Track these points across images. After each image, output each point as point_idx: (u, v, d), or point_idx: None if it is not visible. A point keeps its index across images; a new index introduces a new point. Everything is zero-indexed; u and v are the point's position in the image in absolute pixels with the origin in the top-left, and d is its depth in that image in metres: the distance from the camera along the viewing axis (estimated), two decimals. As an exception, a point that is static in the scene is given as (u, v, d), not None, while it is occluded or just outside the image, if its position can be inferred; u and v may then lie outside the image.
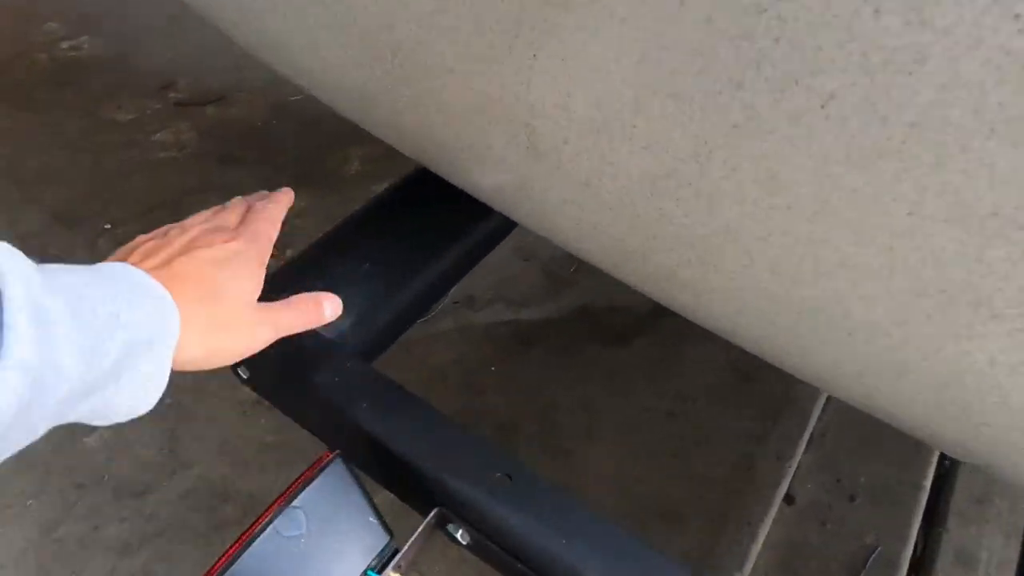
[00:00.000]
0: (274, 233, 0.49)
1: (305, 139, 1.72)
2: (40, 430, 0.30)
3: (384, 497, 0.52)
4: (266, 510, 0.43)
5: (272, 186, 0.54)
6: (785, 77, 0.31)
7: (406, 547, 0.46)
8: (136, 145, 1.72)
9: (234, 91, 1.87)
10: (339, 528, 0.45)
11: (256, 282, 0.45)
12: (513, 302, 1.37)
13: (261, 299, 0.45)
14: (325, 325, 0.59)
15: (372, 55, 0.50)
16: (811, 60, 0.29)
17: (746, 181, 0.35)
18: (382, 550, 0.46)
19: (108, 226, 1.43)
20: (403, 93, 0.51)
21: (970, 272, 0.30)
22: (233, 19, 0.65)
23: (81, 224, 1.45)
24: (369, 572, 0.45)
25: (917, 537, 1.04)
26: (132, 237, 0.45)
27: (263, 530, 0.42)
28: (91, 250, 1.38)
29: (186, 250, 0.42)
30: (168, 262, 0.41)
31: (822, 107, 0.30)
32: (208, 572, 0.40)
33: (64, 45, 2.04)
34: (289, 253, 0.69)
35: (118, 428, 1.15)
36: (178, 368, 0.39)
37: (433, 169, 0.61)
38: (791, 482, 1.09)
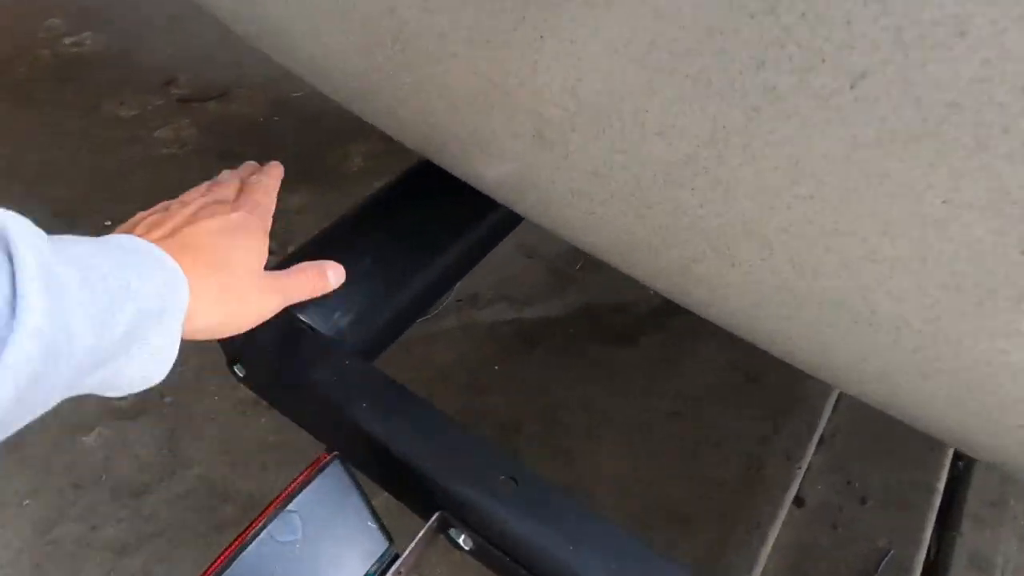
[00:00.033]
0: (272, 205, 0.49)
1: (306, 135, 1.70)
2: (53, 400, 0.30)
3: (384, 500, 0.51)
4: (260, 514, 0.41)
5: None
6: (811, 55, 0.28)
7: (406, 553, 0.44)
8: (137, 141, 1.70)
9: (236, 87, 1.85)
10: (336, 533, 0.43)
11: (262, 251, 0.45)
12: (516, 300, 1.35)
13: None
14: (324, 322, 0.57)
15: (373, 41, 0.48)
16: (840, 36, 0.27)
17: (766, 168, 0.33)
18: (381, 556, 0.44)
19: (109, 223, 1.42)
20: (404, 80, 0.49)
21: (1010, 265, 0.28)
22: (233, 8, 0.63)
23: (82, 220, 1.44)
24: (368, 579, 0.43)
25: (930, 541, 1.02)
26: (133, 235, 0.43)
27: (256, 535, 0.40)
28: (91, 247, 1.36)
29: (191, 221, 0.42)
30: (174, 233, 0.41)
31: (851, 87, 0.28)
32: (199, 579, 0.38)
33: (66, 41, 2.03)
34: (291, 250, 0.68)
35: (117, 427, 1.14)
36: (190, 338, 0.40)
37: (435, 161, 0.59)
38: (801, 484, 1.07)
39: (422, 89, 0.48)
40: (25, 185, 1.57)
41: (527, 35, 0.37)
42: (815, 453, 1.11)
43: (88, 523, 1.02)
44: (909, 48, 0.26)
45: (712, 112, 0.33)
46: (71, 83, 1.89)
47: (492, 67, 0.41)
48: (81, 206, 1.49)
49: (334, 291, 0.59)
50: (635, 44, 0.33)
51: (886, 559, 1.00)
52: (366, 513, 0.44)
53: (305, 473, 0.43)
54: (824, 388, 1.18)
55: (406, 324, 0.67)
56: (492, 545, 0.46)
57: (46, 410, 0.30)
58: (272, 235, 0.49)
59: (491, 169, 0.50)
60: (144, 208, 0.46)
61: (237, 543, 0.39)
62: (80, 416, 1.14)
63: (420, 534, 0.45)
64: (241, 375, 0.57)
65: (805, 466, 1.09)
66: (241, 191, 0.49)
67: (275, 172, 0.53)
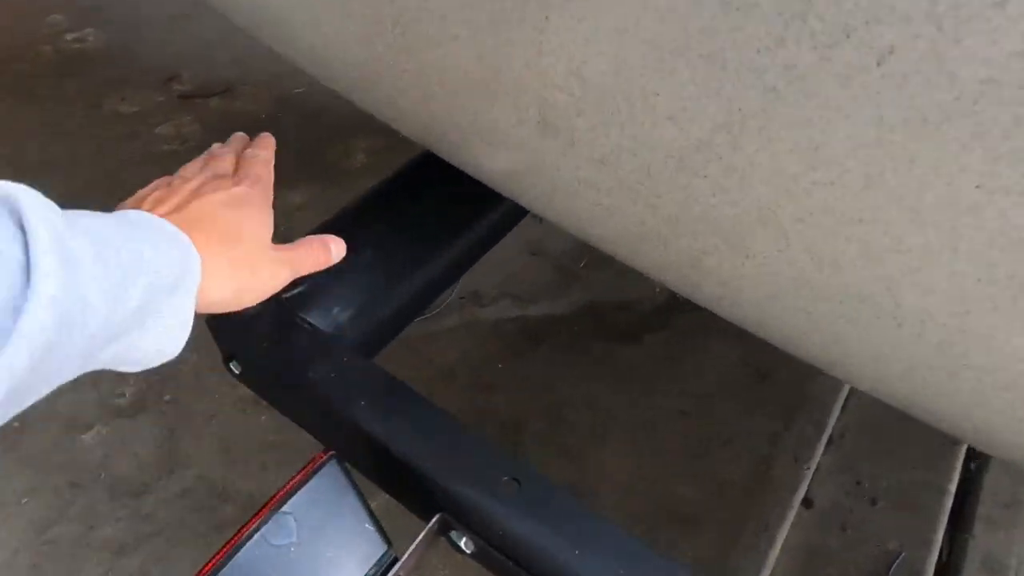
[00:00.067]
0: (271, 177, 0.49)
1: (309, 132, 1.69)
2: (67, 372, 0.30)
3: (383, 501, 0.49)
4: (253, 516, 0.39)
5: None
6: (835, 30, 0.27)
7: (405, 556, 0.43)
8: (139, 137, 1.70)
9: (238, 84, 1.84)
10: (333, 536, 0.41)
11: (268, 223, 0.46)
12: (521, 298, 1.33)
13: None
14: (322, 318, 0.56)
15: (373, 27, 0.47)
16: (867, 8, 0.26)
17: (784, 153, 0.31)
18: (380, 559, 0.42)
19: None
20: (405, 67, 0.47)
21: (1048, 254, 0.26)
22: (231, -2, 0.62)
23: (82, 217, 1.43)
24: (365, 583, 0.41)
25: (942, 543, 1.00)
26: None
27: (249, 538, 0.38)
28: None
29: (197, 196, 0.42)
30: (181, 208, 0.41)
31: (878, 64, 0.26)
32: (189, 584, 0.37)
33: (68, 37, 2.03)
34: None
35: (116, 425, 1.13)
36: (204, 311, 0.40)
37: (437, 152, 0.58)
38: (809, 485, 1.06)
39: (423, 76, 0.46)
40: (26, 181, 1.56)
41: (531, 14, 0.35)
42: (824, 453, 1.09)
43: (86, 523, 1.01)
44: (942, 20, 0.24)
45: (727, 94, 0.31)
46: (73, 79, 1.88)
47: (495, 50, 0.39)
48: (82, 201, 1.47)
49: (333, 286, 0.58)
50: (645, 22, 0.32)
51: (897, 562, 0.98)
52: (364, 515, 0.43)
53: (300, 474, 0.41)
54: (833, 387, 1.16)
55: (407, 320, 0.66)
56: (494, 548, 0.44)
57: (61, 382, 0.30)
58: (273, 233, 0.48)
59: (494, 159, 0.49)
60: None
61: (229, 546, 0.38)
62: (79, 414, 1.13)
63: (420, 536, 0.43)
64: (237, 372, 0.56)
65: (814, 466, 1.07)
66: (238, 165, 0.49)
67: (268, 144, 0.53)
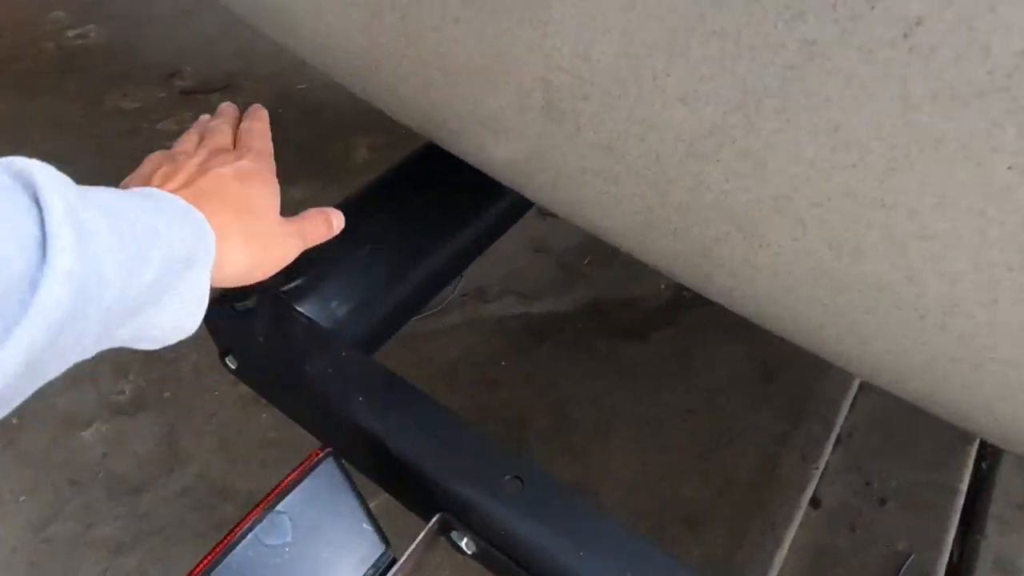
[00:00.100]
0: (271, 148, 0.49)
1: (310, 128, 1.68)
2: (85, 347, 0.30)
3: (382, 501, 0.48)
4: (246, 515, 0.38)
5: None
6: (858, 1, 0.25)
7: (404, 557, 0.41)
8: (140, 133, 1.69)
9: (240, 80, 1.83)
10: (329, 535, 0.40)
11: (276, 195, 0.46)
12: (524, 295, 1.32)
13: None
14: (320, 312, 0.55)
15: (373, 12, 0.45)
16: (893, -23, 0.24)
17: (802, 135, 0.29)
18: (377, 560, 0.41)
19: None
20: (405, 53, 0.46)
21: (1086, 239, 0.25)
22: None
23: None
24: (363, 585, 0.40)
25: (953, 544, 0.98)
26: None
27: (242, 538, 0.37)
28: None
29: (204, 170, 0.42)
30: (190, 183, 0.41)
31: (905, 36, 0.25)
32: (179, 585, 0.35)
33: (70, 34, 2.02)
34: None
35: (116, 422, 1.12)
36: (220, 285, 0.41)
37: (439, 142, 0.56)
38: (817, 484, 1.04)
39: (423, 62, 0.45)
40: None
41: (536, -7, 0.34)
42: (832, 452, 1.07)
43: (84, 521, 1.00)
44: (975, -13, 0.23)
45: (742, 73, 0.30)
46: (74, 76, 1.88)
47: (497, 31, 0.37)
48: (83, 199, 1.47)
49: (332, 279, 0.57)
50: (655, -2, 0.30)
51: (907, 563, 0.97)
52: (361, 514, 0.41)
53: (295, 471, 0.40)
54: (842, 385, 1.14)
55: (408, 315, 0.64)
56: (496, 549, 0.43)
57: (78, 358, 0.30)
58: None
59: (497, 148, 0.47)
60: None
61: (221, 547, 0.37)
62: (78, 411, 1.12)
63: (420, 537, 0.42)
64: (233, 367, 0.54)
65: (822, 465, 1.05)
66: (236, 138, 0.49)
67: (263, 116, 0.53)
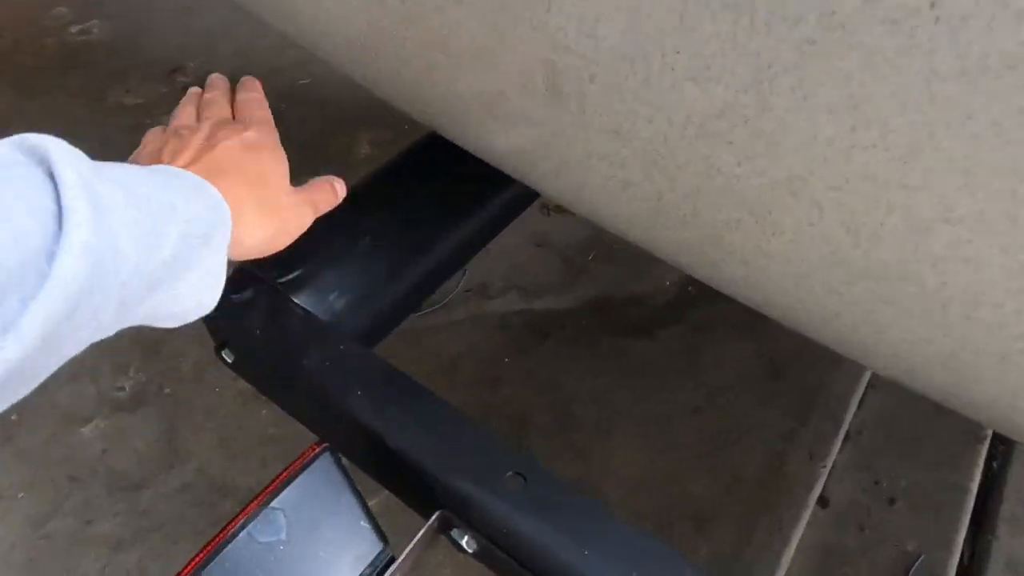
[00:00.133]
0: (271, 116, 0.49)
1: (312, 124, 1.67)
2: (106, 323, 0.30)
3: (383, 499, 0.47)
4: (240, 512, 0.37)
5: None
6: (882, -32, 0.24)
7: (403, 556, 0.40)
8: (142, 129, 1.67)
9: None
10: (325, 533, 0.39)
11: (285, 164, 0.45)
12: (528, 291, 1.31)
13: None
14: (318, 304, 0.53)
15: (371, -6, 0.44)
16: (921, -60, 0.23)
17: (819, 113, 0.28)
18: (375, 559, 0.40)
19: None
20: (407, 35, 0.45)
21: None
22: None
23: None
24: (360, 584, 0.39)
25: (963, 544, 0.97)
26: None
27: (235, 535, 0.36)
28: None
29: (211, 145, 0.42)
30: (199, 158, 0.41)
31: (932, 5, 0.23)
32: (170, 584, 0.34)
33: (73, 29, 2.02)
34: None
35: (116, 419, 1.11)
36: (240, 258, 0.41)
37: (440, 130, 0.55)
38: (825, 483, 1.02)
39: (425, 44, 0.44)
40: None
41: (539, -33, 0.32)
42: (840, 450, 1.06)
43: (84, 517, 0.99)
44: (1010, -51, 0.21)
45: (755, 48, 0.28)
46: (77, 72, 1.88)
47: (500, 10, 0.36)
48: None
49: (330, 270, 0.55)
50: (665, -29, 0.29)
51: (916, 564, 0.95)
52: (358, 511, 0.40)
53: (291, 467, 0.39)
54: (851, 382, 1.12)
55: (408, 309, 0.63)
56: (498, 547, 0.42)
57: (96, 336, 0.30)
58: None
59: (499, 134, 0.46)
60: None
61: (213, 544, 0.35)
62: (78, 407, 1.11)
63: (419, 535, 0.41)
64: (230, 361, 0.53)
65: (830, 464, 1.04)
66: (235, 109, 0.49)
67: (256, 85, 0.52)
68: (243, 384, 0.82)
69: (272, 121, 0.49)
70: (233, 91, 0.52)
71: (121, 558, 0.96)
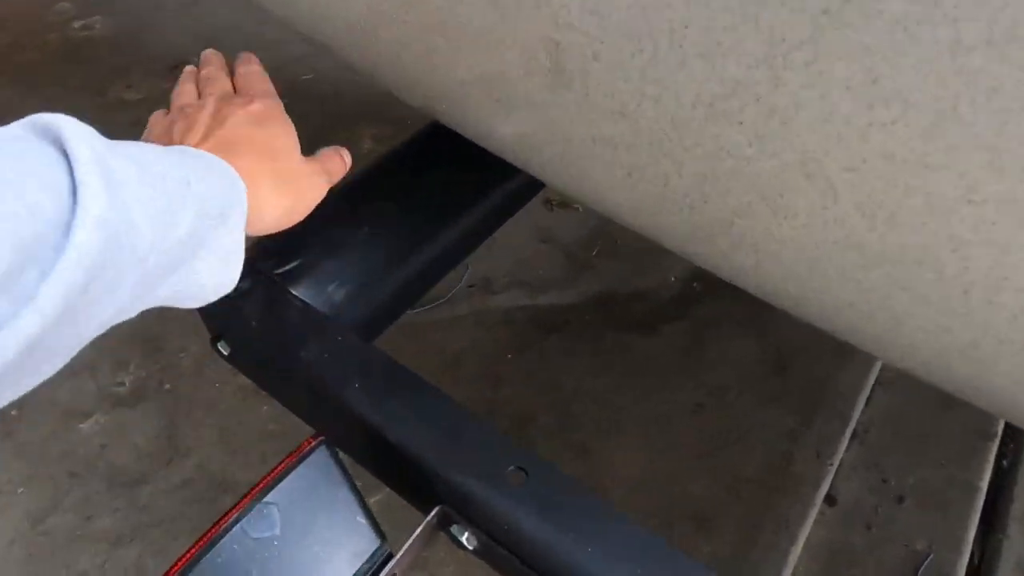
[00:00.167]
0: (273, 88, 0.49)
1: (314, 119, 1.66)
2: (126, 302, 0.30)
3: (383, 496, 0.45)
4: (233, 507, 0.36)
5: None
6: (904, -69, 0.22)
7: (401, 552, 0.39)
8: (143, 125, 1.68)
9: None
10: (321, 529, 0.37)
11: (295, 134, 0.45)
12: (531, 286, 1.29)
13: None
14: (316, 295, 0.52)
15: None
16: (946, -101, 0.21)
17: (835, 89, 0.27)
18: (372, 555, 0.39)
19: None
20: (406, 18, 0.43)
21: None
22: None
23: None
24: (357, 582, 0.37)
25: (973, 543, 0.95)
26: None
27: (228, 530, 0.35)
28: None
29: (219, 121, 0.41)
30: (209, 136, 0.40)
31: (957, -31, 0.22)
32: (161, 579, 0.33)
33: (76, 25, 2.02)
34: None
35: (115, 414, 1.10)
36: (259, 234, 0.41)
37: (441, 117, 0.54)
38: (832, 481, 1.01)
39: (425, 26, 0.42)
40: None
41: (542, -60, 0.31)
42: (848, 448, 1.04)
43: (83, 513, 0.98)
44: (1043, -93, 0.20)
45: (768, 22, 0.27)
46: (78, 67, 1.87)
47: (501, -13, 0.35)
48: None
49: (329, 261, 0.54)
50: (673, -59, 0.27)
51: (925, 563, 0.94)
52: (355, 506, 0.39)
53: (286, 460, 0.37)
54: (858, 379, 1.11)
55: (409, 301, 0.62)
56: (499, 543, 0.40)
57: (120, 317, 0.30)
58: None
59: (501, 119, 0.45)
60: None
61: (204, 540, 0.34)
62: (78, 402, 1.10)
63: (417, 531, 0.39)
64: (226, 353, 0.52)
65: (837, 462, 1.02)
66: (236, 84, 0.48)
67: (254, 58, 0.52)
68: (243, 379, 0.81)
69: (275, 93, 0.48)
70: (230, 69, 0.51)
71: (120, 554, 0.95)
